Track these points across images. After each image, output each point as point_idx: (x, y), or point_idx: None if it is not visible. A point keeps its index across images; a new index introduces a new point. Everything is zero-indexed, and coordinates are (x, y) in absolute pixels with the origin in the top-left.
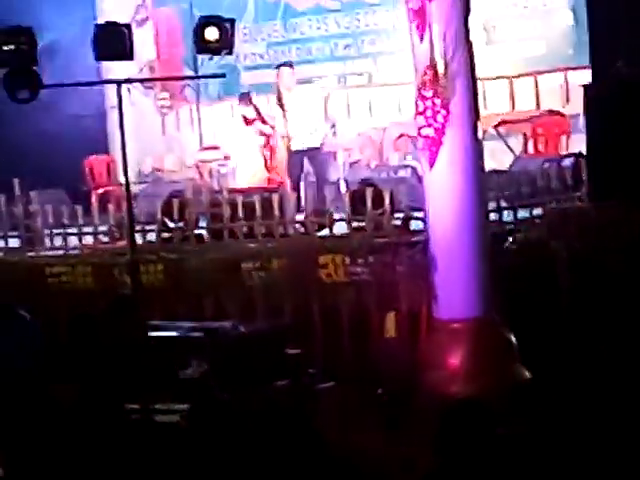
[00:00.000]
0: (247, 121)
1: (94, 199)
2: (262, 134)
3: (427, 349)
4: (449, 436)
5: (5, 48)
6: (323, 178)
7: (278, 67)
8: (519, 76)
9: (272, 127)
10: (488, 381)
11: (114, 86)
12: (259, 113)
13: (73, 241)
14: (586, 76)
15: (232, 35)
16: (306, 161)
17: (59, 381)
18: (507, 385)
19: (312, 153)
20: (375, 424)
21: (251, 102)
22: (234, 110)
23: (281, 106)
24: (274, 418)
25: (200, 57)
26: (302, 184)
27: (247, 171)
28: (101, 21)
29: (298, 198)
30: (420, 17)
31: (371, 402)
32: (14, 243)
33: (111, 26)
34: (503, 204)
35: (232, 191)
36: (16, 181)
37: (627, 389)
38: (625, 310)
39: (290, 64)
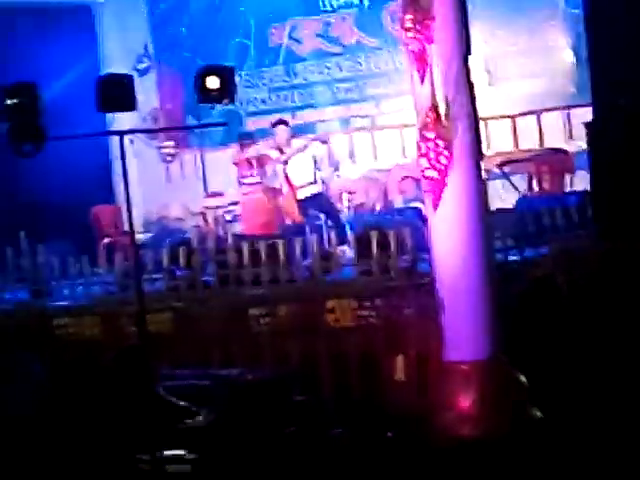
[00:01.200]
0: (249, 163)
1: (101, 249)
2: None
3: (437, 391)
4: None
5: (8, 103)
6: (334, 220)
7: (274, 126)
8: (521, 114)
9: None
10: (499, 422)
11: (117, 137)
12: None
13: (80, 292)
14: (588, 113)
15: (233, 83)
16: (311, 206)
17: (64, 430)
18: (518, 425)
19: (316, 199)
20: (386, 468)
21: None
22: (237, 156)
23: (283, 157)
24: (283, 466)
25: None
26: (307, 228)
27: (252, 216)
28: (104, 71)
29: (304, 243)
30: (420, 59)
31: (381, 446)
32: (22, 295)
33: (113, 77)
34: (509, 243)
35: (238, 237)
36: (22, 234)
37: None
38: (634, 348)
39: (285, 122)
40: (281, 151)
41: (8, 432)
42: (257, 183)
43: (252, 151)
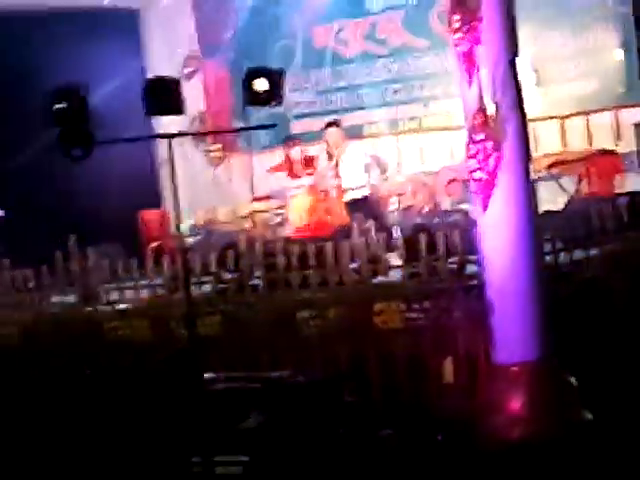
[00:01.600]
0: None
1: (148, 252)
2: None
3: (486, 394)
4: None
5: (57, 107)
6: (379, 224)
7: (325, 127)
8: (570, 116)
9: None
10: (549, 424)
11: (165, 140)
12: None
13: (129, 295)
14: (638, 114)
15: (281, 86)
16: (358, 210)
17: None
18: (568, 428)
19: (364, 203)
20: (435, 471)
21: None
22: (283, 158)
23: (331, 160)
24: (334, 467)
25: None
26: (355, 231)
27: (299, 218)
28: (150, 74)
29: (351, 246)
30: (468, 61)
31: (430, 449)
32: (71, 299)
33: (160, 81)
34: (558, 245)
35: (286, 240)
36: (72, 237)
37: None
38: None
39: (336, 123)
40: (330, 154)
41: (62, 434)
42: (305, 185)
43: (300, 153)
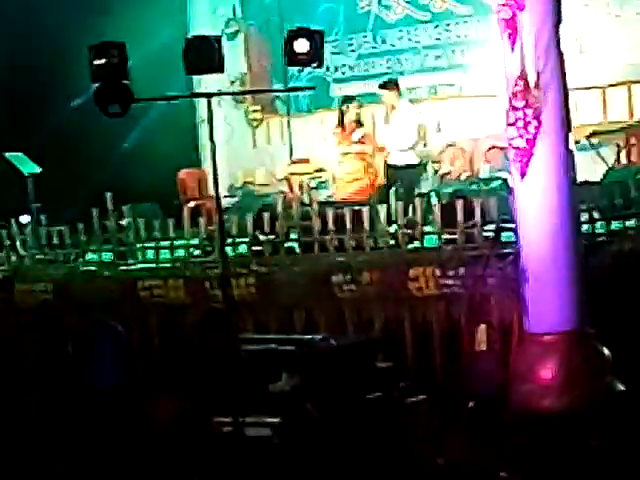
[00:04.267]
0: (343, 128)
1: (186, 212)
2: (360, 142)
3: (519, 362)
4: (544, 450)
5: (97, 63)
6: (413, 190)
7: (382, 87)
8: (612, 86)
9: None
10: (581, 394)
11: (205, 100)
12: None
13: (165, 255)
14: None
15: (322, 47)
16: (397, 179)
17: (153, 396)
18: (600, 398)
19: (406, 172)
20: (466, 438)
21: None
22: (324, 123)
23: (387, 123)
24: (365, 432)
25: (290, 70)
26: (392, 196)
27: (343, 182)
28: (192, 35)
29: (389, 210)
30: (511, 27)
31: (462, 416)
32: (107, 257)
33: (201, 39)
34: (596, 215)
35: (322, 204)
36: (108, 195)
37: None
38: None
39: (395, 83)
40: (387, 114)
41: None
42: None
43: (354, 115)
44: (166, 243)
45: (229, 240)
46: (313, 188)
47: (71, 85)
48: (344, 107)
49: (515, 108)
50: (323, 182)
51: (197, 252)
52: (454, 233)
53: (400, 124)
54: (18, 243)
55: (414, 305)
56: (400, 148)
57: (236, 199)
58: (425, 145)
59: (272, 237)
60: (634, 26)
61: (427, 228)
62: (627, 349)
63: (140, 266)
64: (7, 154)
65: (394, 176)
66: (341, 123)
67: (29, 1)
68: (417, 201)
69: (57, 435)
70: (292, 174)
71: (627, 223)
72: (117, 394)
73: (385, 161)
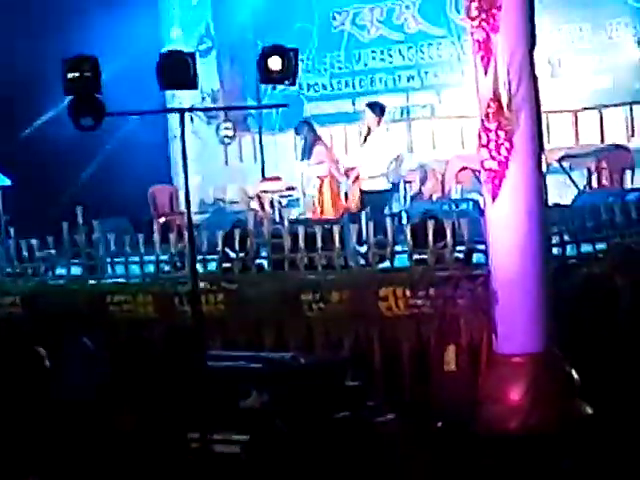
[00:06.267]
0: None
1: (156, 228)
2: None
3: (487, 383)
4: (511, 471)
5: (70, 76)
6: (381, 214)
7: (368, 106)
8: (584, 109)
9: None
10: (548, 416)
11: (177, 115)
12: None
13: (134, 270)
14: None
15: (295, 65)
16: (368, 205)
17: (120, 410)
18: (567, 420)
19: (376, 198)
20: (434, 458)
21: (311, 130)
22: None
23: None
24: (333, 450)
25: (263, 87)
26: (363, 216)
27: (311, 201)
28: (165, 49)
29: (359, 230)
30: (485, 49)
31: (430, 436)
32: (76, 271)
33: (175, 55)
34: (566, 238)
35: (293, 222)
36: (79, 209)
37: None
38: None
39: (382, 109)
40: (367, 134)
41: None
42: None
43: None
44: (136, 258)
45: (199, 257)
46: (284, 206)
47: (43, 98)
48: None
49: (487, 130)
50: (294, 200)
51: (167, 268)
52: (424, 253)
53: (375, 149)
54: None
55: (384, 325)
56: (372, 173)
57: (207, 215)
58: (399, 166)
59: (242, 254)
60: (606, 51)
61: (398, 248)
62: (595, 372)
63: (110, 281)
64: None
65: (366, 201)
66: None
67: None
68: (388, 221)
69: (25, 448)
70: (263, 192)
71: (597, 246)
72: (84, 408)
73: (360, 188)
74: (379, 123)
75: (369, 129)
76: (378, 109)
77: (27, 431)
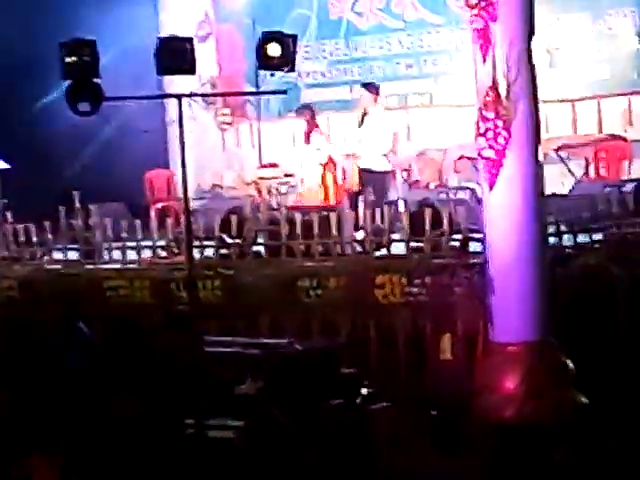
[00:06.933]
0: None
1: (153, 213)
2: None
3: (482, 372)
4: (505, 460)
5: (68, 60)
6: (382, 198)
7: (363, 86)
8: (582, 99)
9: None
10: (543, 405)
11: (175, 101)
12: (316, 126)
13: (131, 255)
14: None
15: (294, 52)
16: (368, 184)
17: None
18: (562, 410)
19: (377, 177)
20: (428, 446)
21: (312, 116)
22: (295, 127)
23: (359, 125)
24: (327, 437)
25: (261, 74)
26: (361, 203)
27: (309, 188)
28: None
29: (356, 217)
30: (484, 38)
31: (425, 424)
32: (73, 256)
33: (174, 40)
34: (563, 228)
35: (290, 209)
36: (76, 193)
37: None
38: None
39: (376, 87)
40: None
41: (60, 393)
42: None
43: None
44: (133, 244)
45: (196, 243)
46: (282, 193)
47: (41, 82)
48: (301, 114)
49: (485, 119)
50: (292, 187)
51: (164, 253)
52: (421, 242)
53: (373, 129)
54: None
55: (380, 312)
56: (372, 153)
57: (204, 201)
58: (395, 153)
59: (239, 241)
60: (605, 41)
61: (394, 236)
62: (590, 362)
63: (106, 266)
64: None
65: (366, 180)
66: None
67: None
68: (385, 209)
69: (20, 430)
70: (261, 178)
71: (594, 236)
72: (81, 392)
73: (358, 166)
74: (376, 102)
75: (365, 110)
76: (374, 88)
77: (27, 411)
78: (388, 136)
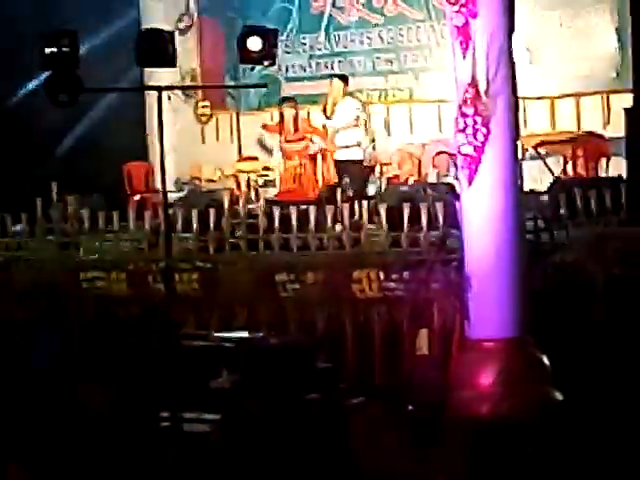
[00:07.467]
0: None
1: (131, 205)
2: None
3: (458, 368)
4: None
5: (48, 51)
6: (361, 193)
7: (331, 77)
8: (561, 97)
9: (310, 139)
10: (519, 402)
11: (155, 93)
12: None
13: (109, 247)
14: (628, 99)
15: (275, 46)
16: (345, 174)
17: (89, 387)
18: (538, 407)
19: (353, 167)
20: (403, 441)
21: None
22: (274, 120)
23: (326, 117)
24: (302, 431)
25: (242, 67)
26: (339, 197)
27: (285, 181)
28: (144, 28)
29: (335, 211)
30: (464, 34)
31: (400, 419)
32: (50, 247)
33: (154, 33)
34: (541, 225)
35: (269, 202)
36: (54, 184)
37: None
38: None
39: (345, 78)
40: (325, 111)
41: (34, 385)
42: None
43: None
44: (110, 235)
45: (174, 235)
46: (260, 186)
47: (20, 73)
48: (283, 107)
49: (464, 115)
50: (270, 180)
51: (141, 246)
52: (399, 237)
53: (343, 119)
54: None
55: (356, 307)
56: (344, 143)
57: (182, 194)
58: (374, 148)
59: (217, 234)
60: (585, 39)
61: (372, 230)
62: (566, 359)
63: (83, 257)
64: None
65: (342, 171)
66: (281, 122)
67: None
68: (364, 203)
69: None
70: (240, 171)
71: (571, 233)
72: (54, 382)
73: (333, 159)
74: (345, 92)
75: (334, 100)
76: (345, 80)
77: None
78: (357, 125)
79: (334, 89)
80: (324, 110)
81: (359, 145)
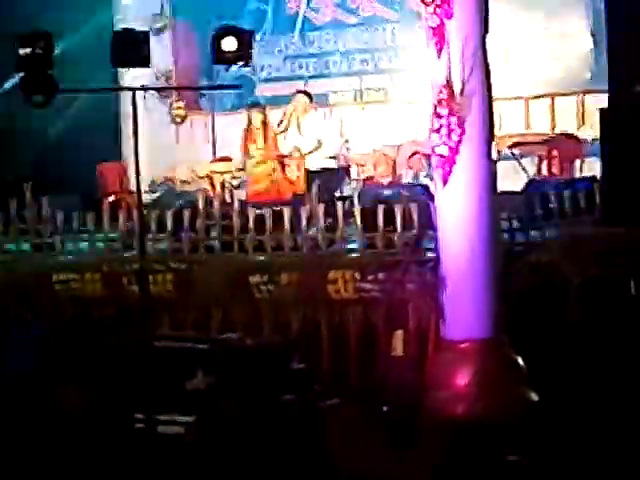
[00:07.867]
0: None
1: (105, 206)
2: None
3: (434, 369)
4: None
5: (22, 52)
6: (334, 194)
7: (295, 93)
8: (535, 97)
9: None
10: (494, 402)
11: (129, 93)
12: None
13: (83, 248)
14: (603, 100)
15: (250, 46)
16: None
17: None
18: (513, 407)
19: (326, 174)
20: (379, 442)
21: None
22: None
23: (291, 127)
24: (278, 432)
25: (216, 68)
26: (314, 198)
27: (257, 183)
28: (119, 28)
29: (309, 213)
30: (438, 35)
31: (376, 420)
32: (24, 248)
33: (128, 33)
34: (515, 225)
35: (243, 203)
36: (27, 185)
37: (636, 412)
38: (635, 334)
39: (307, 93)
40: (292, 120)
41: (8, 387)
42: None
43: (261, 119)
44: (85, 236)
45: (149, 236)
46: (234, 187)
47: None
48: (251, 112)
49: (439, 115)
50: (244, 181)
51: (116, 247)
52: (374, 238)
53: (311, 130)
54: None
55: (332, 308)
56: (315, 156)
57: (157, 195)
58: (348, 149)
59: (192, 235)
60: (559, 40)
61: (347, 231)
62: (541, 359)
63: (58, 258)
64: None
65: (313, 181)
66: (249, 127)
67: None
68: (338, 204)
69: None
70: (214, 172)
71: (546, 234)
72: (28, 385)
73: (305, 168)
74: (309, 107)
75: (297, 116)
76: (308, 95)
77: None
78: (326, 135)
79: (299, 104)
80: (280, 123)
81: (330, 154)
